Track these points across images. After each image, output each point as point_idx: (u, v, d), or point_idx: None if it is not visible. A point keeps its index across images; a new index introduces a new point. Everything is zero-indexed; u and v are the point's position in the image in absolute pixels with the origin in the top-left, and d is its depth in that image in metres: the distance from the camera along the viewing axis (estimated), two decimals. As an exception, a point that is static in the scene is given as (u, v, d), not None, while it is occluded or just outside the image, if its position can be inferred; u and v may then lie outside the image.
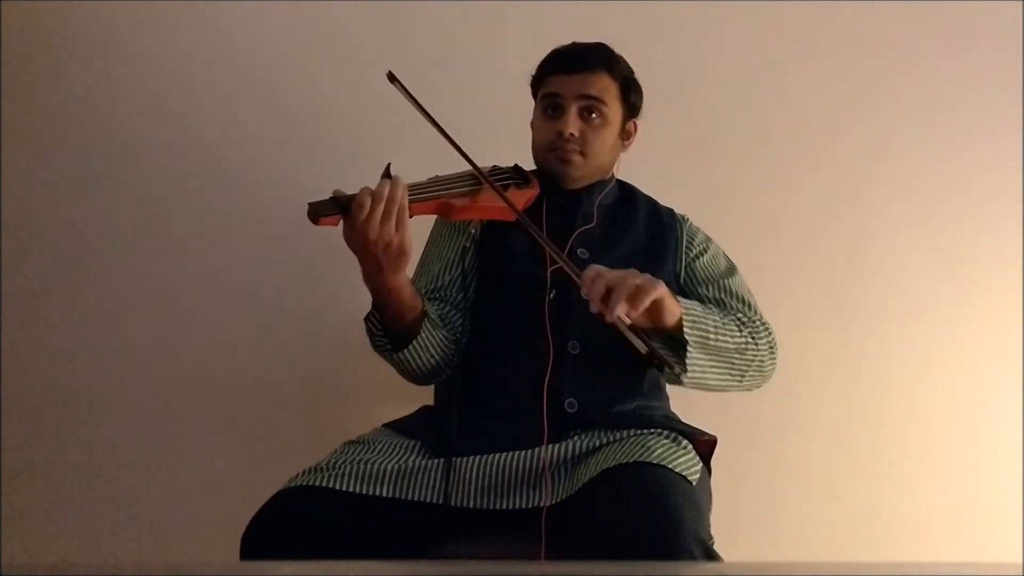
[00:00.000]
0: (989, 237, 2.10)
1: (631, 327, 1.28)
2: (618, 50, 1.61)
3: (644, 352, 1.29)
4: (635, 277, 1.31)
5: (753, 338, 1.50)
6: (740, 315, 1.53)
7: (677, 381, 1.46)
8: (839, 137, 2.12)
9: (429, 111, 1.45)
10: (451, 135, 1.45)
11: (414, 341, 1.42)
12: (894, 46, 2.15)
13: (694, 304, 1.45)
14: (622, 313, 1.27)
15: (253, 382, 1.94)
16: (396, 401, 1.62)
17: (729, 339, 1.46)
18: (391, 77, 1.45)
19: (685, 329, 1.38)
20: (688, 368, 1.40)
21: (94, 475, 1.89)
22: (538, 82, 1.62)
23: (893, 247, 2.09)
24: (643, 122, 1.66)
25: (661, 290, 1.33)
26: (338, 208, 1.31)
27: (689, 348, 1.39)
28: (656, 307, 1.33)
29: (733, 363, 1.47)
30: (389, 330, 1.43)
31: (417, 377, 1.50)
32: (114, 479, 1.90)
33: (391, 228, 1.30)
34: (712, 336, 1.43)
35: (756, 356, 1.50)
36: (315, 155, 2.00)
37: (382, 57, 2.04)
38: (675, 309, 1.38)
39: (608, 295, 1.28)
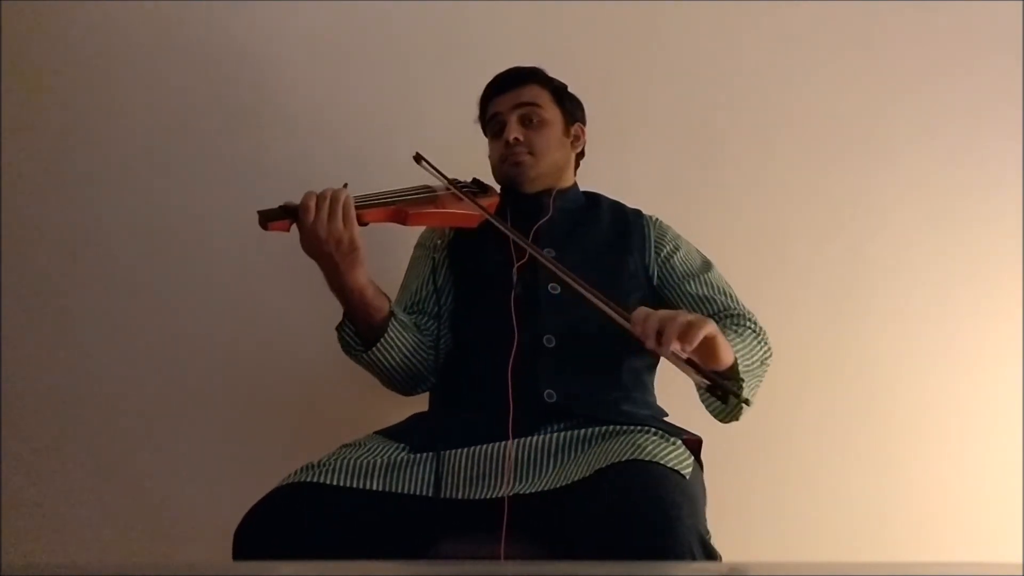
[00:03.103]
0: (990, 239, 2.10)
1: (687, 361, 1.27)
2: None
3: (705, 385, 1.29)
4: (686, 315, 1.29)
5: (767, 343, 1.54)
6: (749, 323, 1.55)
7: (738, 409, 1.45)
8: (841, 140, 2.12)
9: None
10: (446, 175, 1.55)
11: (382, 339, 1.49)
12: (894, 48, 2.15)
13: (733, 336, 1.46)
14: (676, 349, 1.26)
15: (252, 384, 1.94)
16: (393, 405, 1.63)
17: (759, 355, 1.50)
18: (418, 158, 1.59)
19: (741, 364, 1.40)
20: (750, 399, 1.42)
21: (93, 475, 1.89)
22: (482, 115, 1.74)
23: (894, 250, 2.10)
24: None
25: (712, 327, 1.30)
26: (285, 213, 1.41)
27: (745, 382, 1.41)
28: (709, 343, 1.31)
29: (762, 376, 1.52)
30: (360, 333, 1.50)
31: (396, 382, 1.56)
32: (114, 479, 1.89)
33: (338, 225, 1.40)
34: (758, 364, 1.48)
35: (770, 357, 1.54)
36: (316, 155, 2.00)
37: (382, 59, 2.06)
38: (729, 346, 1.37)
39: (661, 333, 1.27)
